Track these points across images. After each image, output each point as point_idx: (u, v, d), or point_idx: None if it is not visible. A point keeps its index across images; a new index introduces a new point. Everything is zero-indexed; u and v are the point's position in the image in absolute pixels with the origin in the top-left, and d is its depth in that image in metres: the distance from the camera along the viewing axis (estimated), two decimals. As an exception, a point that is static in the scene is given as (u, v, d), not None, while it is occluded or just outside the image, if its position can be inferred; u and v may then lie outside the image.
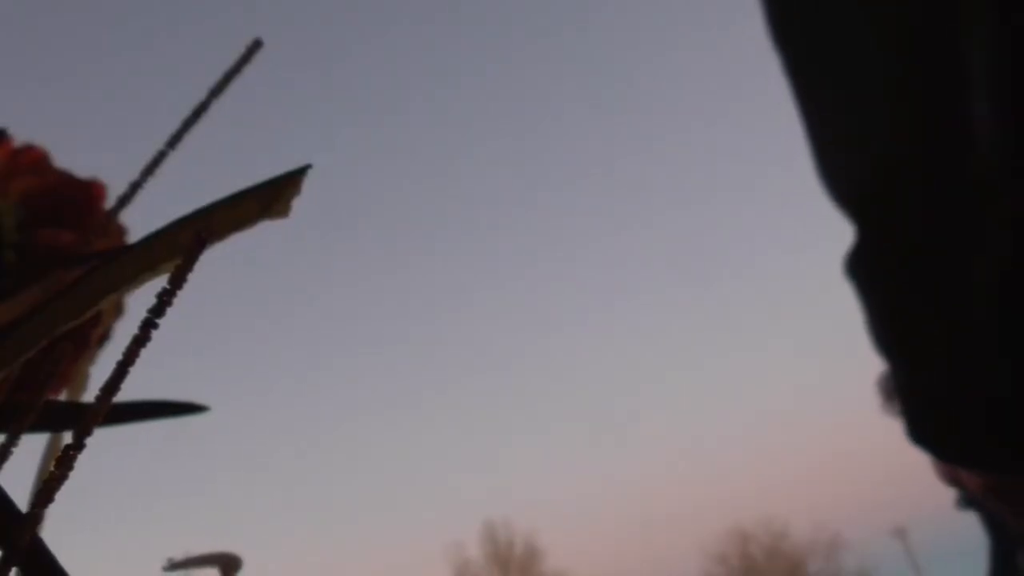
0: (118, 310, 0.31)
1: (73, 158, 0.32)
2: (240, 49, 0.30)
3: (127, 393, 0.17)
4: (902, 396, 0.40)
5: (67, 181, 0.32)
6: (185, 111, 0.30)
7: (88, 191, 0.32)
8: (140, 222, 0.31)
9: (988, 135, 0.33)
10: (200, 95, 0.30)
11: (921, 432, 0.40)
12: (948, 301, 0.36)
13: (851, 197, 0.37)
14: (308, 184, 0.19)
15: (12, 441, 0.20)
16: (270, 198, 0.18)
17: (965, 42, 0.33)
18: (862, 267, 0.38)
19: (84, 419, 0.16)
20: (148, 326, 0.16)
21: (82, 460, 0.16)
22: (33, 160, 0.32)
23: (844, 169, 0.37)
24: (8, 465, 0.19)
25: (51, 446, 0.29)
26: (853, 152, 0.37)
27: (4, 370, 0.18)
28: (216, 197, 0.18)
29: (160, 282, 0.17)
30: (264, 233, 0.19)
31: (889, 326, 0.39)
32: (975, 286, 0.35)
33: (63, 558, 0.18)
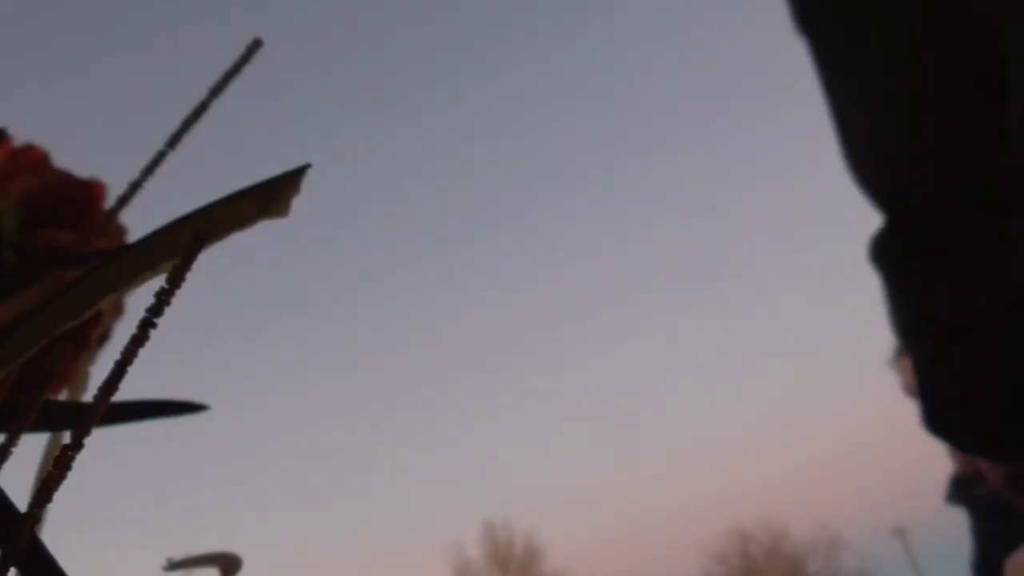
0: (118, 310, 0.31)
1: (73, 158, 0.32)
2: (240, 49, 0.30)
3: (126, 393, 0.17)
4: (922, 385, 0.40)
5: (67, 181, 0.32)
6: (185, 111, 0.30)
7: (88, 191, 0.32)
8: (140, 222, 0.31)
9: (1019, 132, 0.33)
10: (200, 95, 0.30)
11: (941, 422, 0.39)
12: (969, 293, 0.36)
13: (875, 187, 0.38)
14: (307, 184, 0.19)
15: (12, 441, 0.20)
16: (269, 198, 0.18)
17: (991, 40, 0.33)
18: (886, 255, 0.38)
19: (83, 419, 0.16)
20: (146, 326, 0.16)
21: (81, 460, 0.16)
22: (33, 160, 0.32)
23: (868, 160, 0.38)
24: (8, 465, 0.19)
25: (50, 446, 0.29)
26: (876, 145, 0.37)
27: (4, 370, 0.18)
28: (216, 197, 0.18)
29: (159, 282, 0.17)
30: (263, 233, 0.19)
31: (910, 315, 0.39)
32: (994, 280, 0.35)
33: (62, 558, 0.18)
